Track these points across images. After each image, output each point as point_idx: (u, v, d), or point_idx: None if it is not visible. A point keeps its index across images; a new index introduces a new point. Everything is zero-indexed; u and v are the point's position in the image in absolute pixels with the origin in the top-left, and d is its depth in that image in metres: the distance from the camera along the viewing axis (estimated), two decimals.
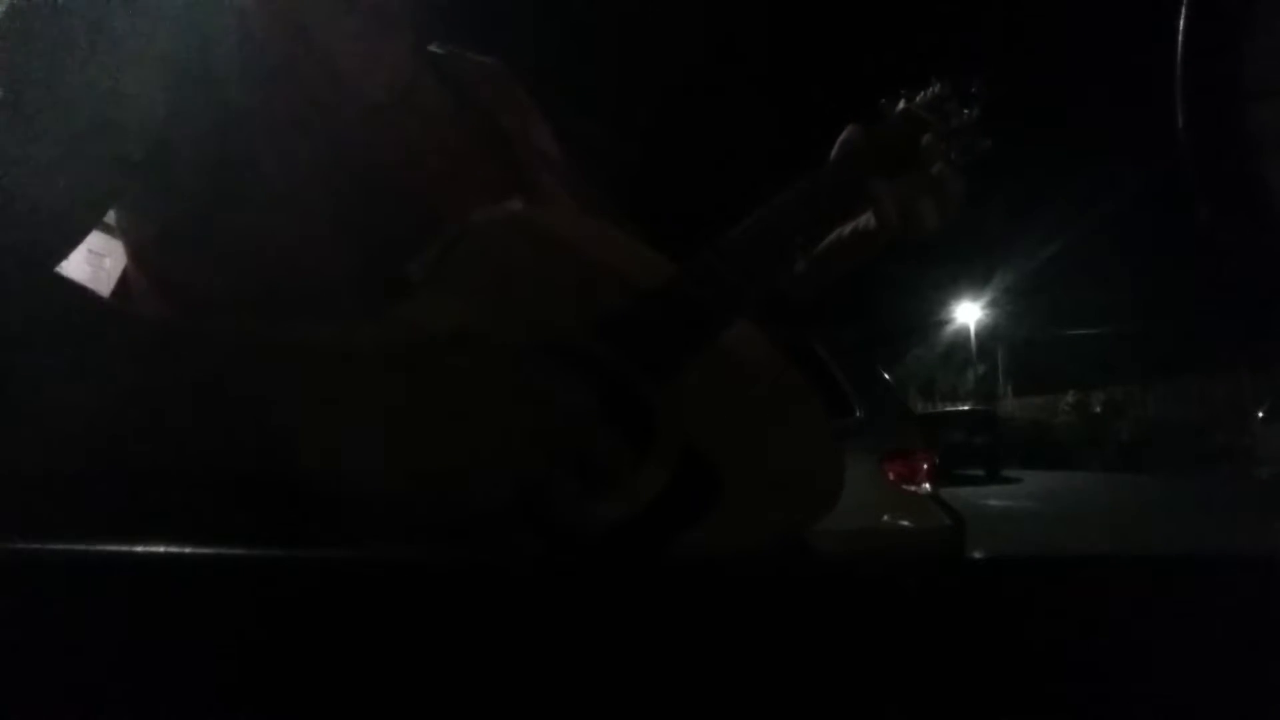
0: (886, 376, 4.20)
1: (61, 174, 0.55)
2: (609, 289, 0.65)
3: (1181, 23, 0.50)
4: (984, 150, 0.90)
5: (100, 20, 0.56)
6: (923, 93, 0.92)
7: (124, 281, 0.69)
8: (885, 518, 3.31)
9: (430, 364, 0.54)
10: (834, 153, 0.86)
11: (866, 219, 0.84)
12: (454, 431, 0.52)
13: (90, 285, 0.56)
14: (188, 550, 0.30)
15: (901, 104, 0.92)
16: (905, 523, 3.32)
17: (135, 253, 0.67)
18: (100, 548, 0.31)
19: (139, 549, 0.30)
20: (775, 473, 0.64)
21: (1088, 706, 0.30)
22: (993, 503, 11.84)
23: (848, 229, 0.85)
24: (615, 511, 0.55)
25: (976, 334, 30.21)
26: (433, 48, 0.82)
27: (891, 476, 3.38)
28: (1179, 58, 0.51)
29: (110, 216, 0.64)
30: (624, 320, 0.63)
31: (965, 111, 0.90)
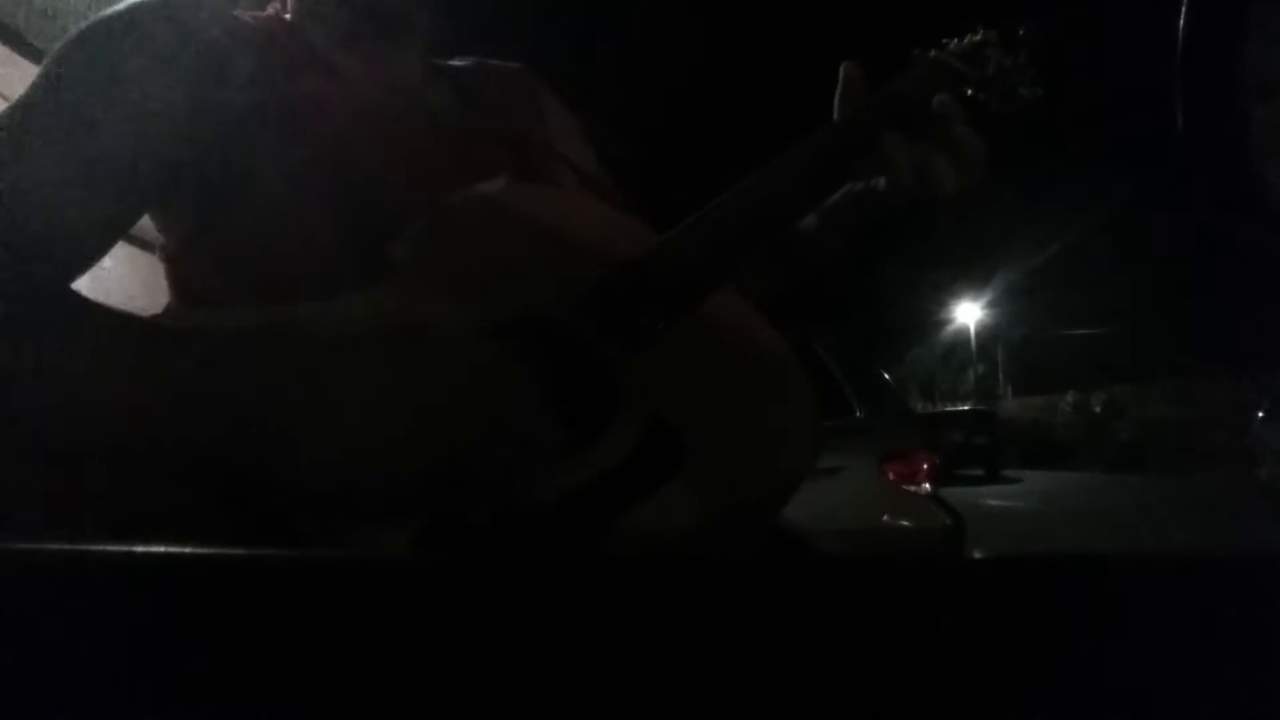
0: (886, 376, 4.20)
1: (84, 196, 0.59)
2: (588, 263, 0.65)
3: (1181, 23, 0.50)
4: (1033, 98, 0.83)
5: (120, 52, 0.61)
6: (959, 40, 0.86)
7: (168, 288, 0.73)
8: (885, 518, 3.32)
9: (390, 344, 0.55)
10: (839, 104, 0.80)
11: (877, 178, 0.79)
12: (407, 409, 0.53)
13: (93, 285, 0.59)
14: (188, 550, 0.30)
15: (933, 52, 0.85)
16: (905, 523, 3.32)
17: (166, 260, 0.71)
18: (100, 548, 0.31)
19: (139, 549, 0.30)
20: (742, 447, 0.63)
21: (1088, 707, 0.30)
22: (993, 503, 11.85)
23: (859, 186, 0.80)
24: (571, 481, 0.56)
25: (976, 334, 30.25)
26: (454, 61, 0.84)
27: (891, 476, 3.38)
28: (1179, 58, 0.51)
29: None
30: (598, 291, 0.63)
31: (1010, 58, 0.83)
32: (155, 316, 0.68)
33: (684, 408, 0.61)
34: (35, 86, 0.60)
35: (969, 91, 0.82)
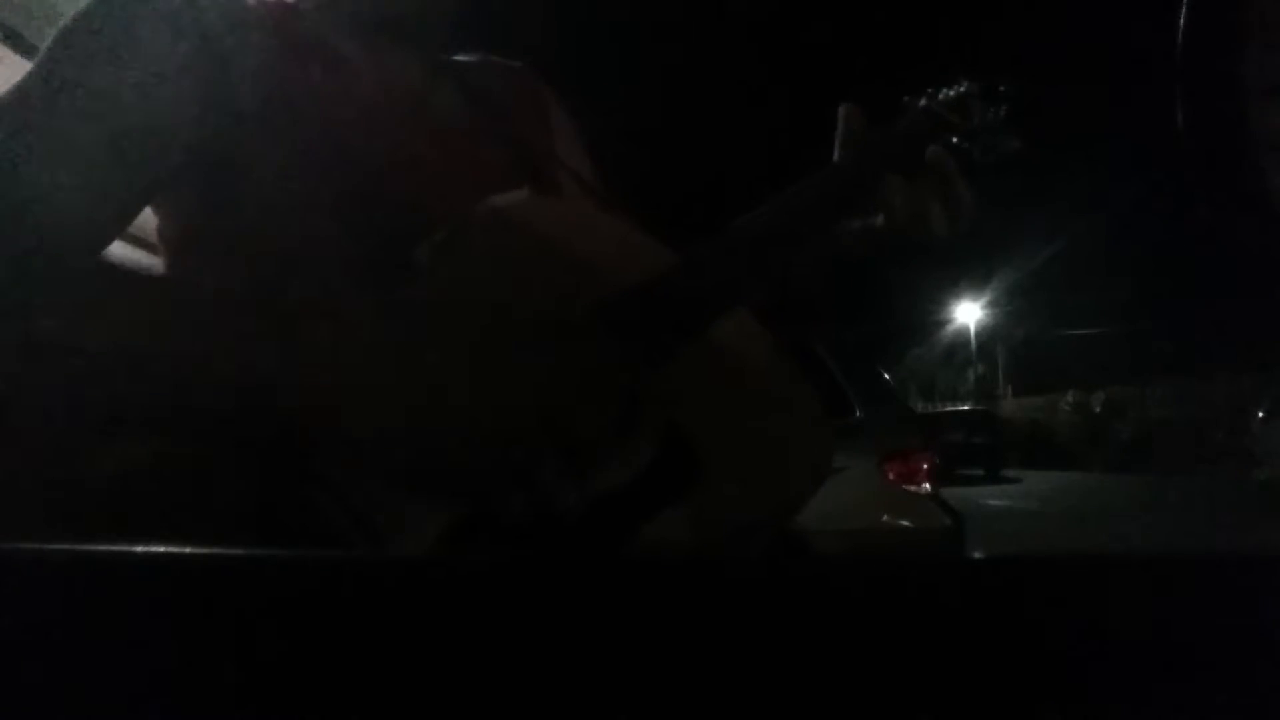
0: (886, 376, 4.20)
1: (93, 183, 0.58)
2: (607, 279, 0.67)
3: (1181, 23, 0.50)
4: (1011, 151, 0.88)
5: (132, 39, 0.60)
6: (946, 91, 0.90)
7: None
8: (885, 518, 3.32)
9: (427, 337, 0.57)
10: (840, 145, 0.83)
11: (874, 217, 0.81)
12: (444, 404, 0.55)
13: None
14: (188, 550, 0.30)
15: (923, 101, 0.89)
16: (905, 523, 3.32)
17: (164, 248, 0.71)
18: (101, 548, 0.31)
19: (139, 549, 0.30)
20: (757, 460, 0.65)
21: (1087, 707, 0.30)
22: (993, 503, 11.85)
23: (854, 224, 0.83)
24: (592, 492, 0.57)
25: (976, 334, 30.23)
26: (457, 56, 0.84)
27: (891, 476, 3.38)
28: (1179, 58, 0.51)
29: None
30: (617, 307, 0.64)
31: (991, 111, 0.88)
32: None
33: (698, 422, 0.63)
34: (41, 63, 0.59)
35: (954, 140, 0.85)
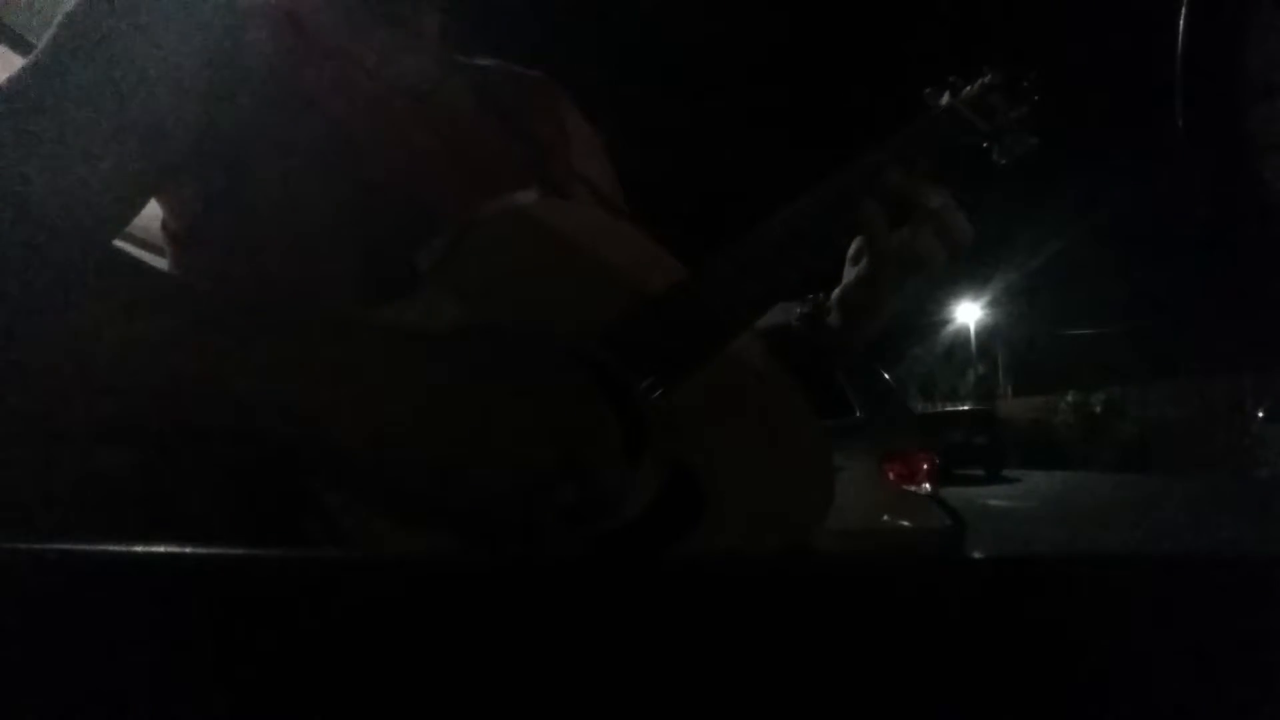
0: (886, 376, 4.20)
1: (100, 173, 0.57)
2: (617, 289, 0.64)
3: (1181, 23, 0.50)
4: (1029, 149, 0.84)
5: (141, 30, 0.59)
6: (969, 86, 0.85)
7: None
8: (885, 518, 3.32)
9: (432, 353, 0.55)
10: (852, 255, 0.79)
11: (863, 264, 0.77)
12: (449, 423, 0.52)
13: None
14: (188, 550, 0.30)
15: (945, 98, 0.85)
16: (905, 523, 3.32)
17: (170, 242, 0.70)
18: (100, 548, 0.31)
19: (139, 549, 0.30)
20: (762, 493, 0.63)
21: (1087, 707, 0.30)
22: (993, 503, 11.85)
23: (851, 278, 0.79)
24: (598, 523, 0.55)
25: (976, 334, 30.25)
26: (477, 60, 0.83)
27: (891, 476, 3.38)
28: (1179, 58, 0.51)
29: None
30: (626, 325, 0.62)
31: (1015, 109, 0.83)
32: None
33: (706, 452, 0.60)
34: (46, 46, 0.58)
35: (974, 141, 0.82)
